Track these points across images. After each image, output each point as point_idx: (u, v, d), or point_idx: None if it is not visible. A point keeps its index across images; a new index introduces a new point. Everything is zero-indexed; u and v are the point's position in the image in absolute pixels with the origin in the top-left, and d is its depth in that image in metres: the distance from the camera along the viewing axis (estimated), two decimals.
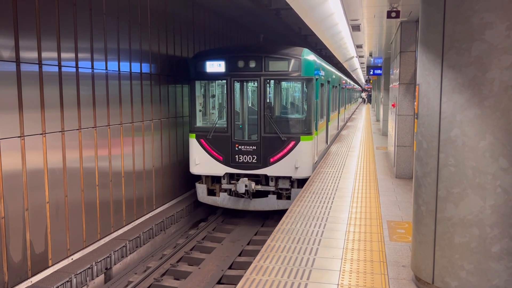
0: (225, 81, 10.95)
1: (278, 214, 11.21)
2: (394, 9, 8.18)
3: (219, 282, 7.99)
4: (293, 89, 13.51)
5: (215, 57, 10.94)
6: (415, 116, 4.55)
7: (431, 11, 4.24)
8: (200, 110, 11.52)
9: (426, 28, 4.33)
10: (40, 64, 6.96)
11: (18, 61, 6.55)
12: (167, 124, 11.34)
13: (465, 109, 3.99)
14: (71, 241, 7.73)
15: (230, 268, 8.53)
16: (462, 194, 4.05)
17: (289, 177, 10.70)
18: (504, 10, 3.80)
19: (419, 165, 4.43)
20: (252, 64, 10.65)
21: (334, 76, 17.27)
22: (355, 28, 11.35)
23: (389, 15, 8.23)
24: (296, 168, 10.55)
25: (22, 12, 6.60)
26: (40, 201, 7.04)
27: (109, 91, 8.76)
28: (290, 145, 10.61)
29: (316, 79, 11.32)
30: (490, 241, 3.97)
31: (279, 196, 10.85)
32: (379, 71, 23.02)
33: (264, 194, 10.93)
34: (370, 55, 20.23)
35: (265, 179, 10.91)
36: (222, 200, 11.17)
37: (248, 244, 9.78)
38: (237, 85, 11.01)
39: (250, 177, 10.80)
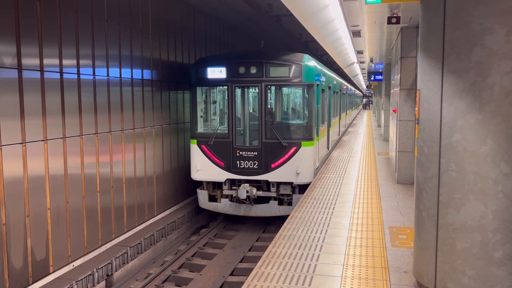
0: (226, 87, 10.97)
1: (279, 220, 11.18)
2: (395, 15, 8.19)
3: None
4: (294, 95, 13.53)
5: (216, 63, 10.97)
6: (416, 122, 4.55)
7: (431, 17, 4.25)
8: (201, 116, 11.54)
9: (426, 34, 4.34)
10: (41, 70, 6.99)
11: (20, 68, 6.57)
12: (168, 130, 11.35)
13: (465, 114, 3.99)
14: (72, 247, 7.72)
15: (231, 274, 8.51)
16: (463, 200, 4.04)
17: (291, 183, 10.69)
18: (503, 16, 3.81)
19: (420, 171, 4.42)
20: (253, 70, 10.68)
21: (335, 82, 17.30)
22: (356, 34, 11.37)
23: (389, 21, 8.24)
24: (298, 173, 10.54)
25: (24, 19, 6.63)
26: (41, 207, 7.04)
27: (111, 98, 8.78)
28: (291, 151, 10.60)
29: (317, 85, 11.33)
30: (492, 246, 3.95)
31: (281, 202, 10.83)
32: (380, 76, 23.06)
33: (265, 200, 10.91)
34: (371, 60, 20.25)
35: (267, 185, 10.90)
36: (223, 206, 11.16)
37: (249, 250, 9.76)
38: (238, 91, 11.03)
39: (251, 183, 10.79)
